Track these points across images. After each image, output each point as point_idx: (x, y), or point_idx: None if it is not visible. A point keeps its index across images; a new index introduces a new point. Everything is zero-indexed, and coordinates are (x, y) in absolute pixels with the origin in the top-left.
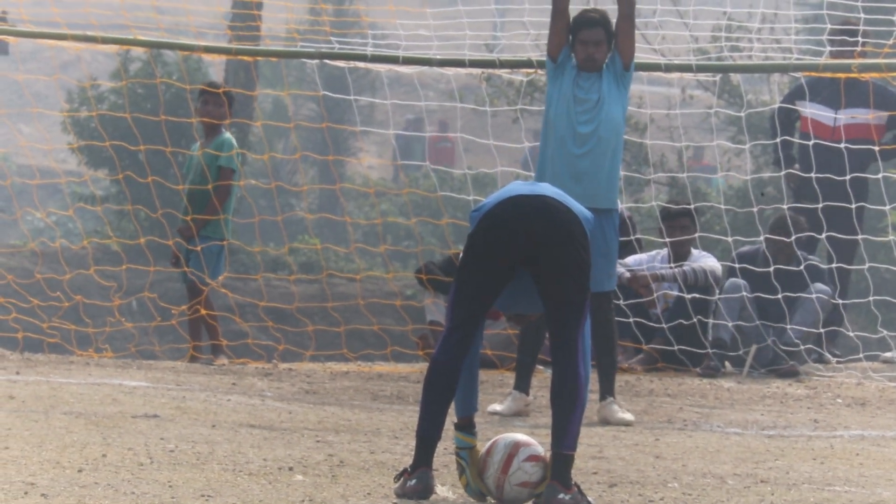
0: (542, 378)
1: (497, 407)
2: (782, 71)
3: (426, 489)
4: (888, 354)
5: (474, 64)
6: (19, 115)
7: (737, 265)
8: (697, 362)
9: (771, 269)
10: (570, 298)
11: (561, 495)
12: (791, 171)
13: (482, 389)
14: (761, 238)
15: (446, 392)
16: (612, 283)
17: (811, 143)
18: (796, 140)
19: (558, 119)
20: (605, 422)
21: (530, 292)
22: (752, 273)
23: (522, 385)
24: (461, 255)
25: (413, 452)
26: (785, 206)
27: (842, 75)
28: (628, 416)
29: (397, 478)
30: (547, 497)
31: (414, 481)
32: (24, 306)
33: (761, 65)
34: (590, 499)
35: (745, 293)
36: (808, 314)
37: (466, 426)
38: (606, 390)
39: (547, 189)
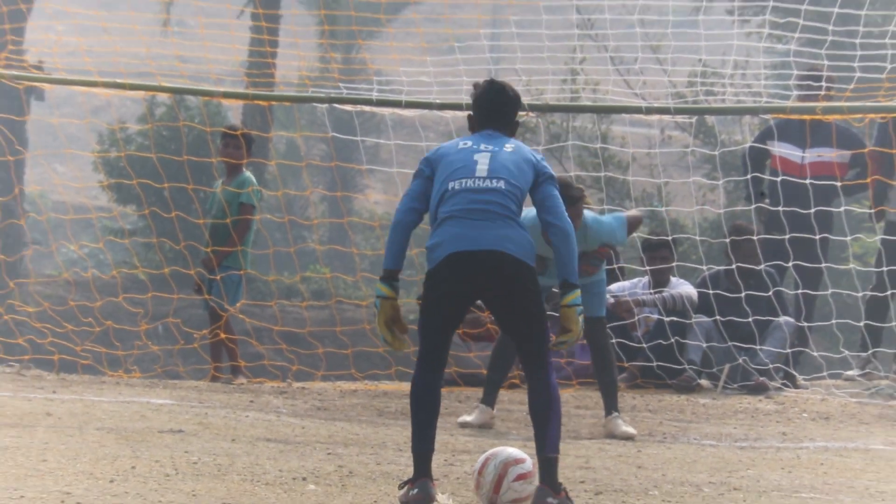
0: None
1: (467, 418)
2: (753, 113)
3: (427, 497)
4: (850, 372)
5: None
6: (54, 156)
7: (710, 290)
8: (675, 379)
9: (742, 294)
10: (529, 330)
11: (549, 499)
12: (761, 205)
13: (458, 408)
14: (733, 266)
15: (431, 411)
16: (603, 310)
17: (780, 179)
18: (766, 177)
19: None
20: (611, 435)
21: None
22: (720, 295)
23: (489, 400)
24: (423, 287)
25: (413, 466)
26: (755, 237)
27: (808, 117)
28: (631, 430)
29: (401, 487)
30: (536, 499)
31: (416, 490)
32: (59, 331)
33: (734, 108)
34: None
35: (715, 317)
36: (777, 340)
37: (388, 278)
38: (611, 406)
39: (489, 239)
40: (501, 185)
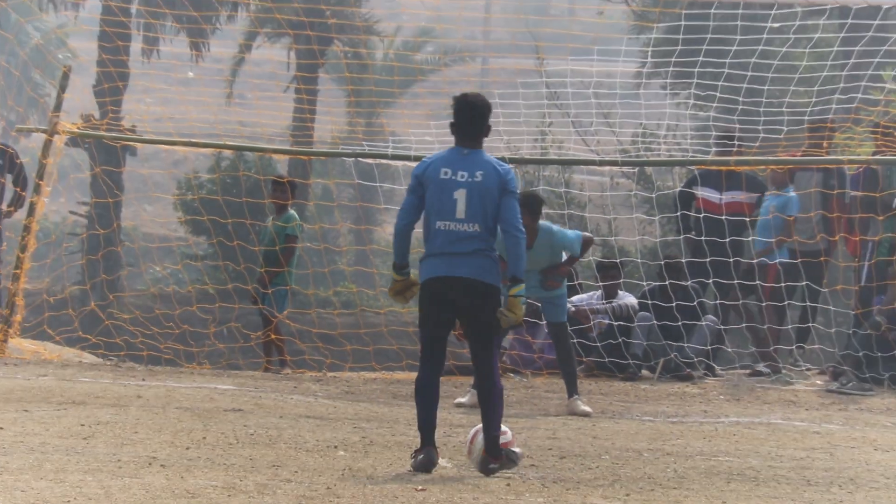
0: (513, 382)
1: (462, 399)
2: (681, 164)
3: (430, 460)
4: (759, 367)
5: None
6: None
7: (648, 301)
8: (622, 370)
9: (673, 303)
10: (486, 338)
11: (491, 465)
12: (688, 236)
13: (455, 392)
14: (667, 282)
15: (432, 399)
16: (564, 317)
17: (702, 216)
18: (692, 214)
19: None
20: (572, 413)
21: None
22: (656, 304)
23: None
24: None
25: (420, 438)
26: (683, 260)
27: (724, 168)
28: (588, 409)
29: (412, 455)
30: (480, 465)
31: (422, 456)
32: (147, 332)
33: (667, 160)
34: (515, 449)
35: (653, 321)
36: (700, 339)
37: (399, 268)
38: (572, 390)
39: (463, 269)
40: (476, 228)
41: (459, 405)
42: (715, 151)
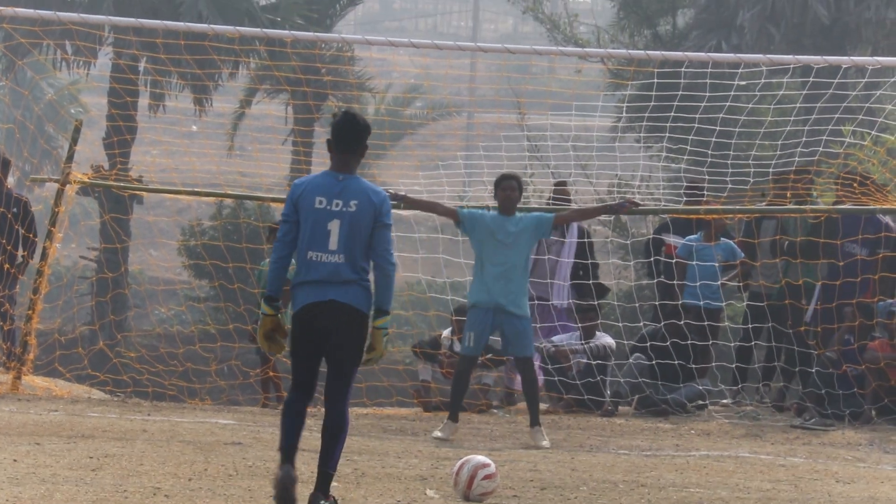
0: (496, 417)
1: (438, 433)
2: (654, 213)
3: (289, 476)
4: (725, 401)
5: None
6: (150, 244)
7: (640, 343)
8: (599, 407)
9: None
10: (344, 366)
11: (322, 502)
12: (660, 279)
13: (433, 425)
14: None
15: (296, 423)
16: (531, 351)
17: (674, 261)
18: (662, 259)
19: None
20: (532, 443)
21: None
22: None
23: (454, 417)
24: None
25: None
26: (657, 303)
27: (693, 216)
28: (545, 443)
29: (273, 475)
30: (310, 500)
31: (281, 472)
32: (152, 370)
33: (641, 209)
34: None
35: (643, 361)
36: (688, 392)
37: (270, 301)
38: (534, 421)
39: (332, 295)
40: (348, 258)
41: (436, 437)
42: (685, 201)
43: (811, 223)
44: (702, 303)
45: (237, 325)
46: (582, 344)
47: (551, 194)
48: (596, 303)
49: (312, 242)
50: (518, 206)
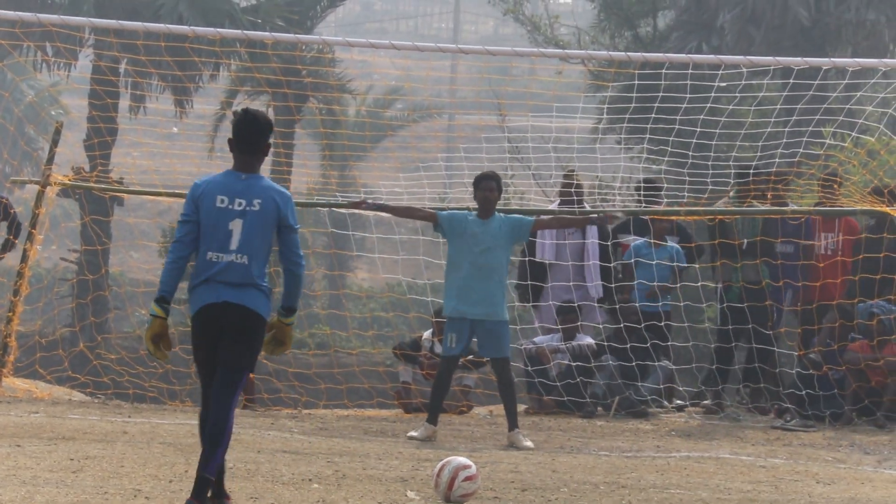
0: (478, 419)
1: (414, 433)
2: (635, 215)
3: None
4: (705, 402)
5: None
6: (131, 245)
7: (606, 343)
8: (580, 408)
9: (628, 345)
10: (235, 369)
11: None
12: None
13: (414, 427)
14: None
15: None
16: (508, 352)
17: (632, 261)
18: (623, 260)
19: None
20: (512, 445)
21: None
22: (616, 347)
23: (432, 419)
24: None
25: None
26: (637, 304)
27: (675, 217)
28: (528, 444)
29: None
30: None
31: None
32: (133, 371)
33: (622, 210)
34: None
35: (611, 362)
36: (654, 379)
37: (162, 302)
38: (513, 424)
39: (229, 296)
40: (245, 259)
41: (412, 438)
42: (638, 199)
43: (757, 223)
44: (638, 304)
45: None
46: (563, 345)
47: (560, 187)
48: (576, 304)
49: (213, 242)
50: (497, 206)
